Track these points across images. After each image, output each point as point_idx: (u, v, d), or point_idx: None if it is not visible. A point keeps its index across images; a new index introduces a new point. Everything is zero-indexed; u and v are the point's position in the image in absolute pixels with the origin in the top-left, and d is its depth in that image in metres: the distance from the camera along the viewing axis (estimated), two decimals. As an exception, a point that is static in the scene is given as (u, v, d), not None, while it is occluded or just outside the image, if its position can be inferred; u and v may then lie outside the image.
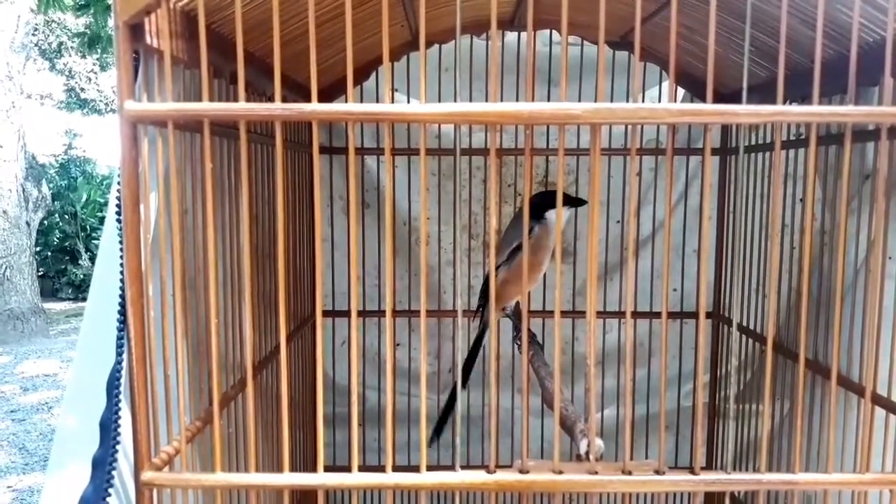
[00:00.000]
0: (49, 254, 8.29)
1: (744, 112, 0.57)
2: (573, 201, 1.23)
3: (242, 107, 0.57)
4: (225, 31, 0.82)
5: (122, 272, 0.60)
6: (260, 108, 0.58)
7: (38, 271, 7.12)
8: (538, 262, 1.20)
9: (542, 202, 1.16)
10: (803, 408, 0.65)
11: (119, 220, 0.61)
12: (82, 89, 10.36)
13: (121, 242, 0.59)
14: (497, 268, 1.20)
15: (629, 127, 1.48)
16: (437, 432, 1.25)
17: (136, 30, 0.60)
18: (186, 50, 0.70)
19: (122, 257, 0.60)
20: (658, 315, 1.48)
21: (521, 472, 0.62)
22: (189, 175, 0.75)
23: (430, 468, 0.62)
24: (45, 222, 7.91)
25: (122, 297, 0.64)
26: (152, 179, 0.63)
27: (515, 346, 1.37)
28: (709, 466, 1.53)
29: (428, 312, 0.57)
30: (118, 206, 0.61)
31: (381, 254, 1.53)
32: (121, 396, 0.69)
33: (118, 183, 0.60)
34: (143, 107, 0.58)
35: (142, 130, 0.60)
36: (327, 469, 0.62)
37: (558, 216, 0.65)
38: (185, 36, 0.70)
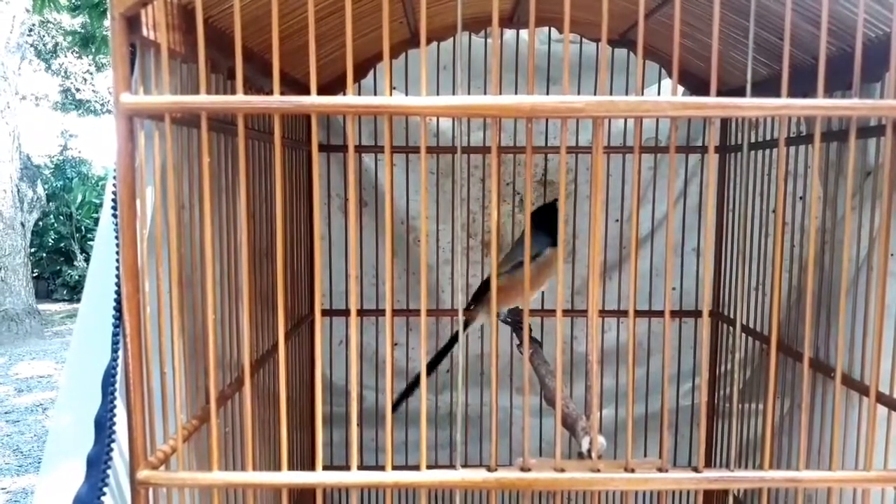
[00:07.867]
0: (44, 255, 8.27)
1: (747, 105, 0.56)
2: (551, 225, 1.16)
3: (240, 99, 0.57)
4: (223, 27, 0.81)
5: (117, 268, 0.60)
6: (258, 101, 0.57)
7: (32, 272, 7.10)
8: (540, 282, 1.21)
9: (548, 219, 1.16)
10: (807, 405, 0.65)
11: (115, 216, 0.60)
12: (78, 90, 10.33)
13: (116, 238, 0.59)
14: (500, 275, 1.18)
15: (628, 125, 1.48)
16: (395, 405, 1.24)
17: (132, 22, 0.59)
18: (183, 43, 0.69)
19: (117, 253, 0.59)
20: (656, 314, 1.47)
21: (523, 470, 0.61)
22: (186, 170, 0.74)
23: (429, 467, 0.61)
24: (40, 223, 7.89)
25: (118, 293, 0.64)
26: (149, 174, 0.62)
27: (516, 347, 1.37)
28: (707, 465, 1.53)
29: (427, 312, 0.57)
30: (114, 200, 0.60)
31: (378, 252, 1.52)
32: (116, 394, 0.68)
33: (114, 178, 0.59)
34: (140, 100, 0.57)
35: (138, 124, 0.59)
36: (324, 469, 0.61)
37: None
38: (183, 29, 0.69)
